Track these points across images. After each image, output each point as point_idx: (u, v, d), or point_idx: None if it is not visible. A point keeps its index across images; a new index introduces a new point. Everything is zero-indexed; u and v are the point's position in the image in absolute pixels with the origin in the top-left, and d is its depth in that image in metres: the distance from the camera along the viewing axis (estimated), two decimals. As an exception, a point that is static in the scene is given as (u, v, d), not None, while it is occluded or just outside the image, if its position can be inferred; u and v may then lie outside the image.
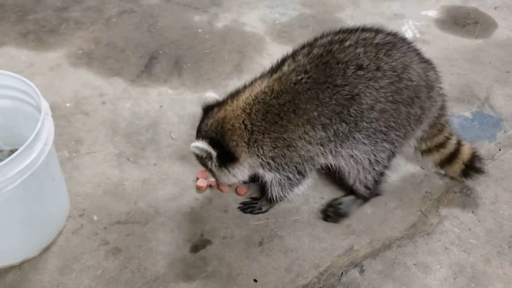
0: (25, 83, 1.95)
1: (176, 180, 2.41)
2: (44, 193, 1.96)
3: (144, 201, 2.30)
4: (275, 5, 3.84)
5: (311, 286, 2.01)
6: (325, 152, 2.00)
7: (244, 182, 2.25)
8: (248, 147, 2.01)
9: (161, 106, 2.84)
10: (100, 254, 2.08)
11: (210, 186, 2.37)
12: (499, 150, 2.66)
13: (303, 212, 2.30)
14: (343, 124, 1.93)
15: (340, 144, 1.98)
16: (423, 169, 2.51)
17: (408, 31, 3.63)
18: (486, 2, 4.02)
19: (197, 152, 2.03)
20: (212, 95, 2.13)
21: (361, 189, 2.21)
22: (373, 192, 2.26)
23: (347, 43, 1.94)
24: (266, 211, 2.28)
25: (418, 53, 2.07)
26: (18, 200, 1.81)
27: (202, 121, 2.10)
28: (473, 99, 3.01)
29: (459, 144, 2.36)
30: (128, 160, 2.50)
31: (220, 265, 2.07)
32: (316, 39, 2.04)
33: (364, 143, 1.99)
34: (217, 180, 2.18)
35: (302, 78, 1.91)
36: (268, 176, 2.12)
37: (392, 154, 2.11)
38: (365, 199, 2.29)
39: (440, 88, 2.16)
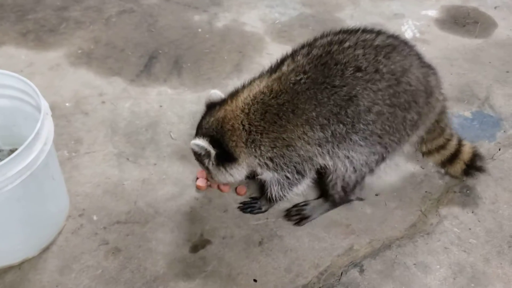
0: (24, 82, 1.95)
1: (175, 180, 2.41)
2: (43, 193, 1.96)
3: (144, 201, 2.30)
4: (275, 4, 3.84)
5: (310, 286, 2.01)
6: (323, 152, 2.00)
7: (247, 177, 2.24)
8: (246, 148, 2.01)
9: (161, 106, 2.83)
10: (99, 254, 2.08)
11: (210, 186, 2.37)
12: (499, 149, 2.66)
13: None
14: (341, 125, 1.92)
15: (337, 145, 1.97)
16: (423, 168, 2.51)
17: (408, 31, 3.63)
18: (486, 1, 4.01)
19: (196, 149, 2.03)
20: (217, 93, 2.13)
21: (337, 191, 2.17)
22: (345, 197, 2.23)
23: (347, 44, 1.93)
24: (265, 210, 2.28)
25: (419, 57, 2.05)
26: (17, 200, 1.81)
27: (204, 117, 2.10)
28: (473, 98, 3.01)
29: (459, 144, 2.36)
30: (128, 160, 2.50)
31: (219, 265, 2.07)
32: (315, 39, 2.04)
33: (361, 145, 1.98)
34: (211, 178, 2.17)
35: (301, 79, 1.91)
36: (267, 176, 2.12)
37: (382, 159, 2.09)
38: (333, 205, 2.27)
39: (441, 93, 2.13)
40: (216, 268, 2.06)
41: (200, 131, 2.07)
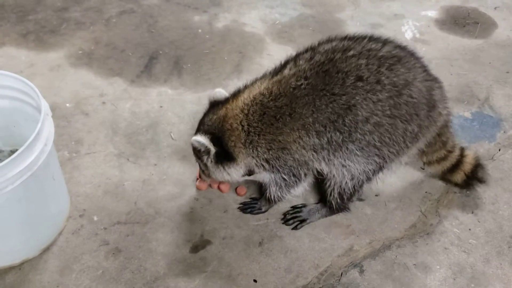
0: (25, 83, 1.96)
1: (176, 180, 2.42)
2: (44, 194, 1.97)
3: (144, 202, 2.31)
4: (275, 5, 3.85)
5: (310, 286, 2.02)
6: (318, 158, 1.99)
7: (248, 174, 2.23)
8: (244, 148, 2.01)
9: (161, 106, 2.84)
10: (100, 254, 2.08)
11: (210, 186, 2.37)
12: (499, 150, 2.66)
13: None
14: (337, 133, 1.91)
15: (333, 153, 1.96)
16: (423, 169, 2.51)
17: (408, 31, 3.64)
18: (486, 2, 4.02)
19: (197, 145, 2.03)
20: (221, 91, 2.13)
21: (334, 197, 2.16)
22: (342, 204, 2.22)
23: (351, 53, 1.91)
24: (266, 211, 2.29)
25: (425, 69, 2.02)
26: (18, 200, 1.81)
27: (206, 114, 2.10)
28: (473, 99, 3.01)
29: (461, 155, 2.34)
30: (128, 160, 2.50)
31: (220, 265, 2.07)
32: (320, 43, 2.02)
33: (357, 155, 1.97)
34: (207, 175, 2.17)
35: (301, 84, 1.90)
36: (266, 176, 2.12)
37: (379, 169, 2.08)
38: (331, 212, 2.26)
39: (444, 108, 2.10)
40: (216, 268, 2.06)
41: (202, 128, 2.08)
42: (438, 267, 2.11)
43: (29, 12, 3.55)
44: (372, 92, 1.87)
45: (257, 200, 2.31)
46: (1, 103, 2.14)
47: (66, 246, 2.11)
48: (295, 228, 2.22)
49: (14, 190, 1.71)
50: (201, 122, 2.10)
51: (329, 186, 2.14)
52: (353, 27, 3.63)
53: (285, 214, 2.28)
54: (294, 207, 2.29)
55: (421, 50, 3.25)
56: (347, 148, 1.94)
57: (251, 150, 2.01)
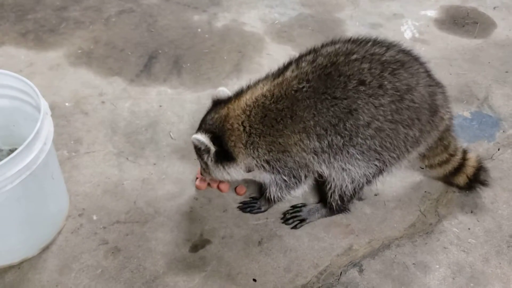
0: (24, 82, 1.95)
1: (175, 179, 2.42)
2: (43, 193, 1.96)
3: (144, 201, 2.30)
4: (275, 4, 3.84)
5: (310, 286, 2.02)
6: (319, 161, 1.99)
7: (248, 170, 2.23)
8: (245, 149, 2.02)
9: (161, 106, 2.84)
10: (99, 253, 2.08)
11: (209, 185, 2.37)
12: (498, 149, 2.67)
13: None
14: (338, 137, 1.90)
15: (333, 156, 1.96)
16: (422, 168, 2.51)
17: (407, 31, 3.64)
18: (485, 2, 4.02)
19: (197, 143, 2.04)
20: (224, 90, 2.13)
21: (334, 199, 2.16)
22: (342, 206, 2.22)
23: (354, 57, 1.89)
24: (265, 210, 2.29)
25: (428, 74, 2.01)
26: (17, 199, 1.81)
27: (209, 112, 2.10)
28: (472, 99, 3.01)
29: (464, 158, 2.33)
30: (128, 159, 2.50)
31: (219, 264, 2.07)
32: (323, 45, 2.01)
33: (358, 159, 1.96)
34: (208, 173, 2.17)
35: (303, 87, 1.89)
36: (266, 177, 2.12)
37: (380, 172, 2.08)
38: (331, 212, 2.26)
39: (446, 112, 2.08)
40: (216, 267, 2.06)
41: (203, 126, 2.08)
42: (437, 266, 2.11)
43: (28, 11, 3.54)
44: (374, 97, 1.86)
45: (256, 199, 2.31)
46: (1, 102, 2.13)
47: (66, 245, 2.10)
48: (294, 227, 2.22)
49: (13, 189, 1.71)
50: (203, 121, 2.10)
51: (330, 188, 2.14)
52: (353, 27, 3.63)
53: (284, 214, 2.28)
54: (294, 207, 2.29)
55: (421, 50, 3.25)
56: (347, 152, 1.94)
57: (251, 151, 2.01)
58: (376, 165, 2.01)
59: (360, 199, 2.33)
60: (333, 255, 2.13)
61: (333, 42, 2.03)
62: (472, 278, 2.07)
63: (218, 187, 2.37)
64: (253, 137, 1.98)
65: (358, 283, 2.03)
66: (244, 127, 1.98)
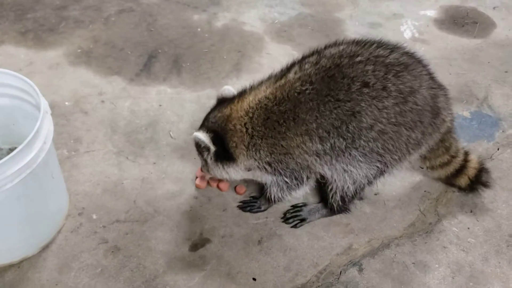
0: (24, 81, 1.95)
1: (175, 178, 2.42)
2: (43, 192, 1.96)
3: (143, 200, 2.30)
4: (274, 4, 3.84)
5: (310, 285, 2.02)
6: (321, 163, 1.99)
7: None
8: (247, 150, 2.01)
9: (160, 105, 2.84)
10: (99, 252, 2.08)
11: (209, 184, 2.37)
12: (498, 149, 2.67)
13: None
14: (341, 139, 1.90)
15: (336, 158, 1.96)
16: (422, 168, 2.51)
17: (407, 31, 3.64)
18: (485, 2, 4.02)
19: (197, 141, 2.04)
20: (230, 89, 2.13)
21: (336, 199, 2.16)
22: (343, 206, 2.22)
23: (358, 59, 1.89)
24: (265, 210, 2.29)
25: (431, 77, 2.02)
26: (17, 198, 1.81)
27: (213, 110, 2.11)
28: (472, 98, 3.01)
29: (465, 160, 2.33)
30: (127, 159, 2.50)
31: (219, 263, 2.07)
32: (326, 47, 2.01)
33: (360, 161, 1.96)
34: (207, 171, 2.17)
35: (306, 89, 1.89)
36: (267, 177, 2.12)
37: (381, 173, 2.08)
38: (331, 212, 2.26)
39: (448, 114, 2.08)
40: (216, 266, 2.06)
41: (206, 124, 2.08)
42: (437, 265, 2.11)
43: (27, 10, 3.54)
44: (378, 99, 1.85)
45: (256, 198, 2.31)
46: (1, 101, 2.13)
47: (65, 244, 2.10)
48: (294, 226, 2.23)
49: (13, 188, 1.71)
50: (206, 118, 2.11)
51: (331, 189, 2.14)
52: (352, 27, 3.63)
53: (285, 213, 2.28)
54: (294, 206, 2.29)
55: (420, 50, 3.25)
56: (350, 154, 1.94)
57: (253, 152, 2.01)
58: (377, 166, 2.01)
59: (360, 198, 2.34)
60: (332, 254, 2.13)
61: (336, 44, 2.02)
62: (472, 277, 2.07)
63: (218, 186, 2.37)
64: (255, 139, 1.98)
65: (357, 282, 2.03)
66: (247, 128, 1.98)
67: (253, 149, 2.00)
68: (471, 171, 2.33)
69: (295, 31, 3.56)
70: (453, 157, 2.28)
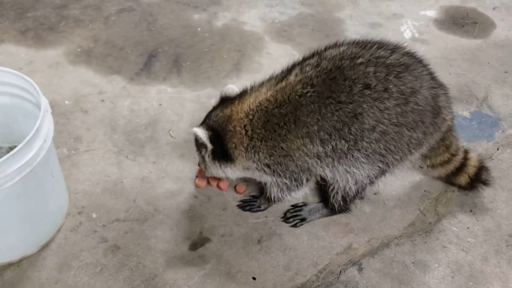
0: (24, 80, 1.95)
1: (175, 178, 2.42)
2: (43, 190, 1.96)
3: (143, 199, 2.30)
4: (274, 4, 3.85)
5: (309, 284, 2.02)
6: (322, 166, 1.99)
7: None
8: (246, 152, 2.02)
9: (160, 104, 2.84)
10: (99, 251, 2.08)
11: (209, 183, 2.37)
12: (497, 149, 2.67)
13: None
14: (342, 141, 1.90)
15: (338, 160, 1.96)
16: (422, 168, 2.51)
17: (407, 31, 3.64)
18: (485, 2, 4.03)
19: (196, 137, 2.05)
20: (233, 88, 2.13)
21: (337, 200, 2.16)
22: (344, 206, 2.22)
23: (359, 61, 1.89)
24: (265, 209, 2.29)
25: (432, 76, 2.02)
26: (17, 197, 1.81)
27: (215, 108, 2.11)
28: (472, 98, 3.02)
29: (465, 158, 2.33)
30: (127, 158, 2.50)
31: (219, 262, 2.07)
32: (326, 48, 2.01)
33: (363, 162, 1.96)
34: (204, 168, 2.18)
35: (307, 92, 1.88)
36: (267, 178, 2.12)
37: (382, 173, 2.08)
38: (332, 212, 2.26)
39: (449, 113, 2.08)
40: (215, 266, 2.06)
41: (206, 121, 2.08)
42: (436, 265, 2.11)
43: (27, 9, 3.54)
44: (380, 100, 1.85)
45: (256, 198, 2.31)
46: (1, 100, 2.13)
47: (65, 243, 2.10)
48: (294, 226, 2.23)
49: (13, 186, 1.71)
50: (208, 115, 2.11)
51: (333, 189, 2.14)
52: (352, 26, 3.63)
53: (285, 213, 2.28)
54: (294, 206, 2.29)
55: (420, 50, 3.25)
56: (352, 155, 1.94)
57: (252, 154, 2.01)
58: (379, 166, 2.01)
59: (361, 198, 2.34)
60: (332, 253, 2.13)
61: (336, 45, 2.02)
62: (471, 277, 2.07)
63: (217, 185, 2.37)
64: (255, 141, 1.98)
65: (357, 281, 2.03)
66: (246, 131, 1.98)
67: (252, 151, 2.00)
68: (471, 169, 2.33)
69: (295, 31, 3.56)
70: (453, 155, 2.29)
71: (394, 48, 1.98)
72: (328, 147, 1.92)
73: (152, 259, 2.07)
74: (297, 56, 3.06)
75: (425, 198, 2.40)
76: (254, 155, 2.01)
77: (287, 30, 3.57)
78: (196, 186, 2.37)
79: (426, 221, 2.29)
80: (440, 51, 3.41)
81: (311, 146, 1.93)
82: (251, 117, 1.97)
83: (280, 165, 2.01)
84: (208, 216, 2.25)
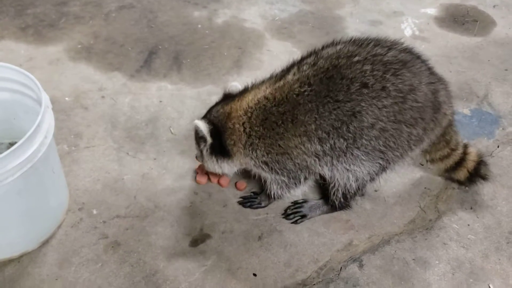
0: (25, 75, 1.95)
1: (175, 174, 2.41)
2: (43, 186, 1.96)
3: (144, 195, 2.30)
4: (275, 1, 3.84)
5: (310, 281, 2.02)
6: (320, 164, 1.99)
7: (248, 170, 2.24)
8: (244, 149, 2.02)
9: (161, 101, 2.83)
10: (99, 247, 2.08)
11: (210, 180, 2.37)
12: (498, 147, 2.67)
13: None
14: (341, 140, 1.90)
15: (337, 159, 1.96)
16: (422, 165, 2.52)
17: (407, 29, 3.64)
18: (485, 0, 4.03)
19: (197, 130, 2.06)
20: (237, 85, 2.13)
21: (338, 197, 2.16)
22: (345, 203, 2.22)
23: (356, 59, 1.88)
24: (265, 206, 2.29)
25: (430, 72, 2.01)
26: (17, 193, 1.80)
27: (217, 103, 2.12)
28: (472, 96, 3.02)
29: (465, 153, 2.33)
30: (128, 154, 2.50)
31: (219, 259, 2.07)
32: (323, 47, 2.01)
33: (363, 159, 1.96)
34: (201, 161, 2.18)
35: (305, 91, 1.89)
36: (266, 175, 2.13)
37: (383, 170, 2.08)
38: (332, 209, 2.26)
39: (449, 108, 2.08)
40: (216, 262, 2.06)
41: (208, 116, 2.09)
42: (437, 262, 2.11)
43: (28, 6, 3.53)
44: (378, 99, 1.85)
45: (257, 194, 2.31)
46: (2, 96, 2.13)
47: (65, 239, 2.10)
48: (295, 222, 2.23)
49: (14, 182, 1.71)
50: (210, 110, 2.12)
51: (333, 187, 2.13)
52: (353, 24, 3.63)
53: (286, 209, 2.28)
54: (295, 203, 2.29)
55: (420, 48, 3.25)
56: (352, 153, 1.94)
57: (250, 151, 2.02)
58: (380, 163, 2.01)
59: (361, 194, 2.34)
60: (333, 250, 2.13)
61: (333, 44, 2.01)
62: (472, 274, 2.08)
63: (218, 182, 2.37)
64: (253, 139, 1.99)
65: (358, 278, 2.04)
66: (245, 128, 1.99)
67: (250, 148, 2.01)
68: (470, 164, 2.33)
69: (295, 28, 3.55)
70: (453, 150, 2.29)
71: (391, 45, 1.98)
72: (326, 145, 1.92)
73: (153, 255, 2.07)
74: (297, 53, 3.05)
75: (426, 195, 2.40)
76: (252, 152, 2.01)
77: (288, 27, 3.56)
78: (197, 182, 2.37)
79: (427, 218, 2.29)
80: (440, 49, 3.41)
81: (309, 145, 1.93)
82: (249, 114, 1.98)
83: (278, 163, 2.01)
84: (208, 213, 2.25)
